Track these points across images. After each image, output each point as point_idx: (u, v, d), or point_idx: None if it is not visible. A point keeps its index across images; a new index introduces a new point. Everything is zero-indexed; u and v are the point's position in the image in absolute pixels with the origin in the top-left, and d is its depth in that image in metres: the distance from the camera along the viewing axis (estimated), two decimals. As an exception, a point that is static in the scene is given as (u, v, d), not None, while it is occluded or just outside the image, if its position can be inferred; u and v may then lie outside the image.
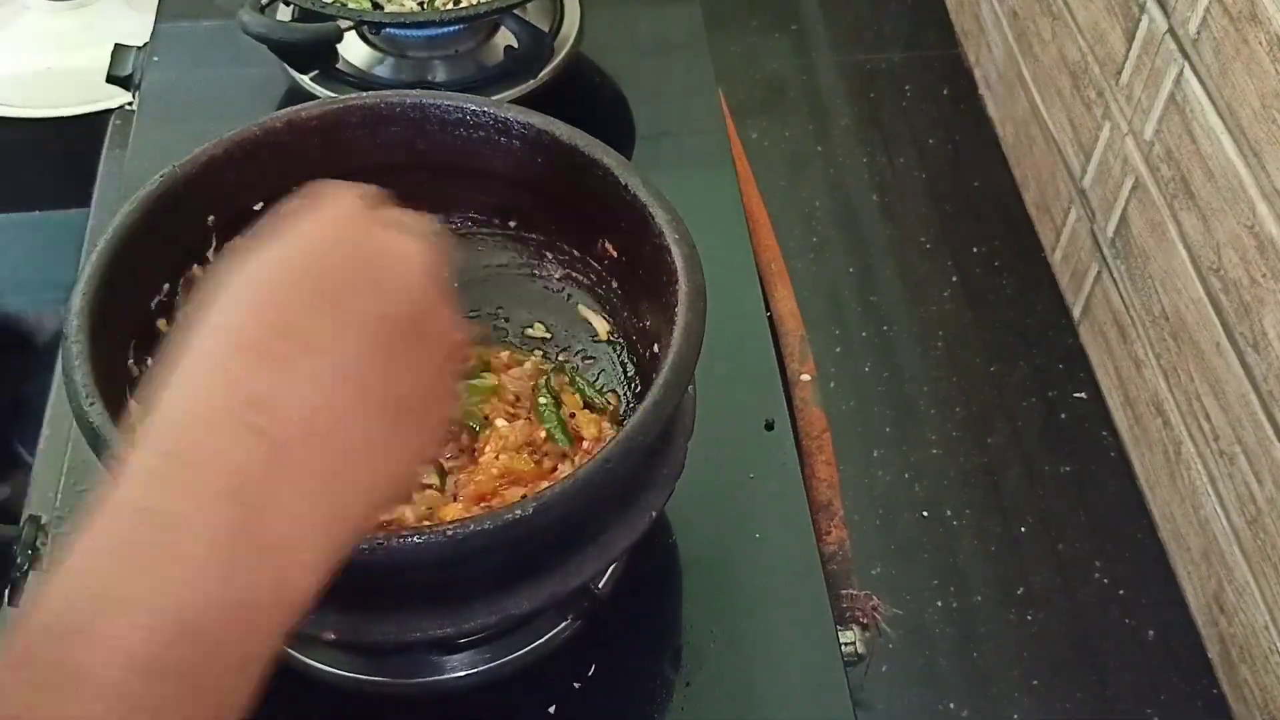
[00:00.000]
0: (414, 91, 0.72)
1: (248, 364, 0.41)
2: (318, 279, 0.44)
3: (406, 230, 0.48)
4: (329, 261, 0.44)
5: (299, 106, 0.70)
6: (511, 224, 0.77)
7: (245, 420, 0.39)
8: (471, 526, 0.52)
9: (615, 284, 0.74)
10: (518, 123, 0.70)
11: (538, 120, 0.70)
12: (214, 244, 0.70)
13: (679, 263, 0.63)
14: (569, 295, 0.76)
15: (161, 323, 0.68)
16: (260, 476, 0.39)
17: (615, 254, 0.72)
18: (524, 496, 0.62)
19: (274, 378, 0.40)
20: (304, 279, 0.44)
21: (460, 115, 0.71)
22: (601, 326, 0.75)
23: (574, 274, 0.76)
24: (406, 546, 0.51)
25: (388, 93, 0.72)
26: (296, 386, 0.41)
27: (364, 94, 0.72)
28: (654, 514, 0.61)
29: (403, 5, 0.96)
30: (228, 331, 0.42)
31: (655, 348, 0.68)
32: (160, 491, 0.38)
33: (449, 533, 0.51)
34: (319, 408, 0.41)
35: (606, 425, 0.70)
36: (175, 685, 0.35)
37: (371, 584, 0.55)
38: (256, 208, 0.70)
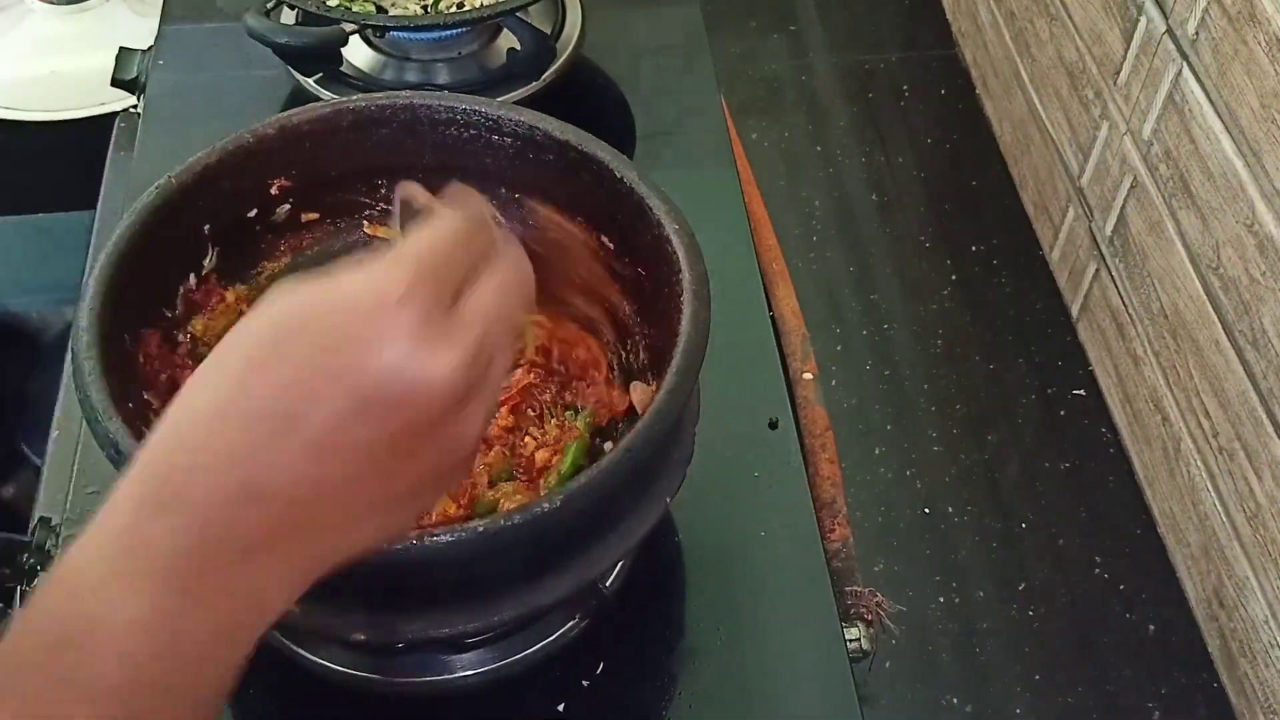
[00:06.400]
0: (404, 93, 0.71)
1: (238, 437, 0.40)
2: (322, 351, 0.40)
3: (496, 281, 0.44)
4: (337, 335, 0.40)
5: (290, 112, 0.69)
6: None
7: (238, 483, 0.39)
8: (502, 522, 0.52)
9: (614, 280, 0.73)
10: (508, 120, 0.69)
11: (528, 117, 0.69)
12: (210, 253, 0.70)
13: (680, 252, 0.63)
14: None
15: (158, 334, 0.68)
16: (258, 536, 0.39)
17: (612, 248, 0.72)
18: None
19: (260, 454, 0.39)
20: (306, 348, 0.40)
21: (450, 115, 0.70)
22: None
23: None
24: (438, 545, 0.51)
25: (378, 95, 0.71)
26: (285, 464, 0.40)
27: (354, 97, 0.71)
28: (669, 499, 0.61)
29: (406, 8, 0.96)
30: (221, 397, 0.41)
31: (658, 339, 0.67)
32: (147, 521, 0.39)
33: (480, 529, 0.52)
34: (305, 479, 0.40)
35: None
36: None
37: (400, 583, 0.56)
38: (250, 215, 0.71)
